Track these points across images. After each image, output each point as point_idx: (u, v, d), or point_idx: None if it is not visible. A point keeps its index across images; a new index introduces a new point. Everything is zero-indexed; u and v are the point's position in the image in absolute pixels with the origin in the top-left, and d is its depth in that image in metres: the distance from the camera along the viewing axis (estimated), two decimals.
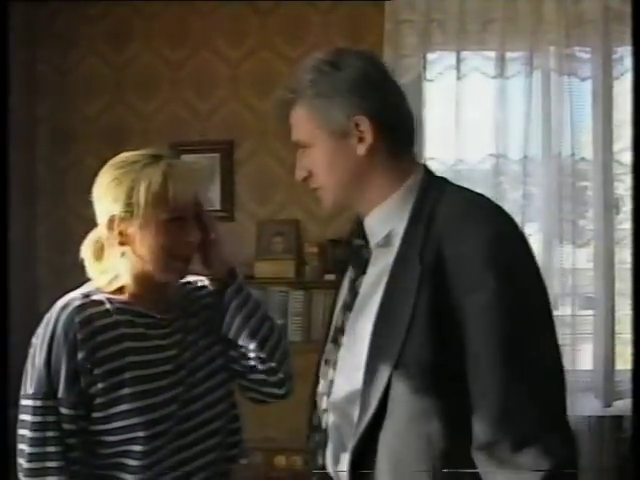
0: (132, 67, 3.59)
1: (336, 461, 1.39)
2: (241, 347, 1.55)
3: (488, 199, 1.43)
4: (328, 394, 1.43)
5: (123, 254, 1.48)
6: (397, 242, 1.40)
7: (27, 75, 3.52)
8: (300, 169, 1.45)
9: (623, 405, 3.22)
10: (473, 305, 1.24)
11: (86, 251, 1.53)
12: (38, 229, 3.58)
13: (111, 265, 1.51)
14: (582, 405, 3.27)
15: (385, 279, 1.37)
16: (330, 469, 1.41)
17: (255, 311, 1.56)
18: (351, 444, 1.32)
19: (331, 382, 1.43)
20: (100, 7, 3.57)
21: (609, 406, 3.29)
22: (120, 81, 3.59)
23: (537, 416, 1.24)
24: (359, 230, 1.49)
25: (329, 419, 1.41)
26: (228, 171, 3.52)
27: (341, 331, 1.45)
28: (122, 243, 1.46)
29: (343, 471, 1.35)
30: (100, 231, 1.50)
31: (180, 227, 1.46)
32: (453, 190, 1.44)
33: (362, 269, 1.46)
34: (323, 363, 1.48)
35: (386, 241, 1.42)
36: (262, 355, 1.55)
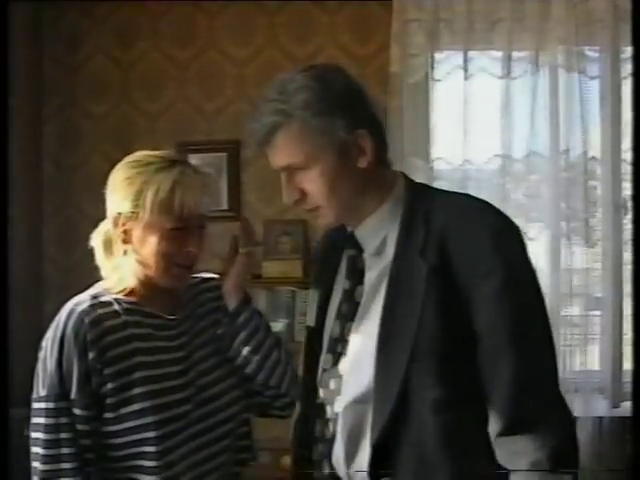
0: (138, 66, 3.59)
1: (349, 464, 1.40)
2: (249, 372, 1.55)
3: (477, 197, 1.51)
4: (332, 403, 1.44)
5: (125, 252, 1.48)
6: (390, 248, 1.44)
7: (33, 74, 3.51)
8: (292, 192, 1.42)
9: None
10: (485, 291, 1.32)
11: (96, 240, 1.54)
12: (45, 228, 3.58)
13: (118, 262, 1.51)
14: (590, 406, 3.26)
15: (384, 284, 1.42)
16: (343, 474, 1.41)
17: (264, 341, 1.55)
18: (371, 442, 1.34)
19: (333, 391, 1.44)
20: (106, 6, 3.57)
21: (617, 407, 3.28)
22: (126, 80, 3.59)
23: (550, 394, 1.34)
24: (350, 241, 1.50)
25: (337, 425, 1.42)
26: (235, 171, 3.52)
27: (339, 340, 1.47)
28: (125, 241, 1.47)
29: (363, 471, 1.36)
30: (108, 225, 1.51)
31: (182, 236, 1.46)
32: (442, 192, 1.54)
33: (358, 279, 1.48)
34: (321, 372, 1.49)
35: (380, 248, 1.46)
36: (270, 384, 1.55)
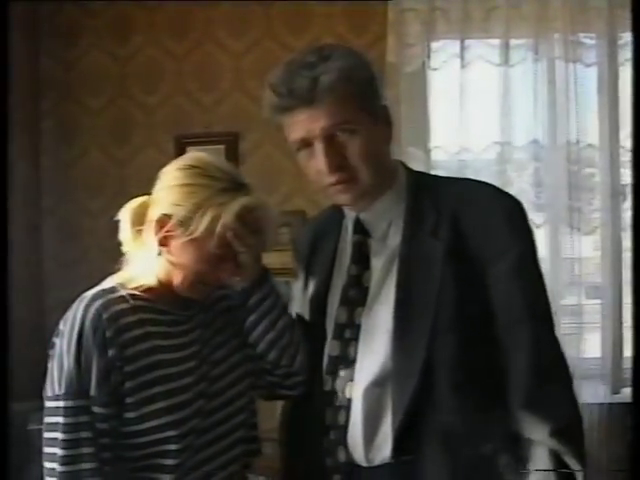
0: (135, 60, 3.58)
1: (368, 448, 1.40)
2: (260, 351, 1.54)
3: (480, 180, 1.58)
4: (342, 389, 1.44)
5: (159, 254, 1.43)
6: (394, 233, 1.46)
7: (31, 70, 3.51)
8: (334, 157, 1.37)
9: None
10: (502, 268, 1.36)
11: (125, 214, 1.47)
12: (44, 223, 3.57)
13: (145, 251, 1.46)
14: (590, 392, 3.27)
15: (393, 268, 1.43)
16: (361, 459, 1.41)
17: (278, 319, 1.52)
18: (393, 425, 1.35)
19: (344, 377, 1.44)
20: (102, 1, 3.56)
21: (617, 393, 3.30)
22: (124, 74, 3.58)
23: (563, 368, 1.39)
24: (356, 226, 1.50)
25: (352, 412, 1.42)
26: (233, 163, 3.50)
27: (347, 326, 1.47)
28: (162, 244, 1.42)
29: (384, 463, 1.38)
30: (147, 203, 1.46)
31: (220, 259, 1.42)
32: (443, 178, 1.61)
33: (365, 264, 1.48)
34: (327, 360, 1.49)
35: (386, 233, 1.47)
36: (282, 362, 1.54)
